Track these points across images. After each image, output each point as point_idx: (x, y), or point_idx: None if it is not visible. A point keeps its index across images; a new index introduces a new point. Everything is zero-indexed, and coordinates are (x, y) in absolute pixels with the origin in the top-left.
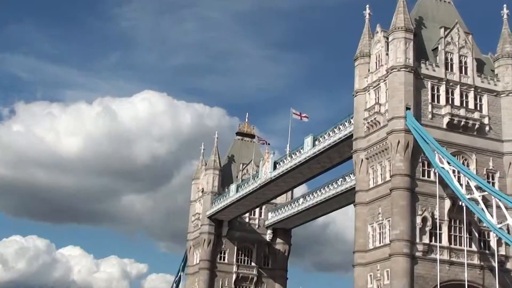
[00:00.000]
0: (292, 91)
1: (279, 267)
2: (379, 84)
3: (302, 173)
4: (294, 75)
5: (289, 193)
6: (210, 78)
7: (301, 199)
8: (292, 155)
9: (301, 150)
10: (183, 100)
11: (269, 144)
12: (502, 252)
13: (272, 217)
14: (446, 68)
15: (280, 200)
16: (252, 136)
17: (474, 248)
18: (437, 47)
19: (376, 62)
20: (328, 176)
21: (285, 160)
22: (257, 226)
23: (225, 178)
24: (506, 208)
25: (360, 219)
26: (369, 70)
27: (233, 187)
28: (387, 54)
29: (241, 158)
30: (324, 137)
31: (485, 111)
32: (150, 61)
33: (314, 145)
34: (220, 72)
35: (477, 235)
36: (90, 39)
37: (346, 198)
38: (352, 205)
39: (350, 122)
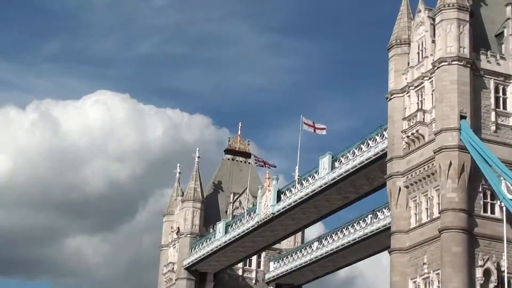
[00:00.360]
0: (301, 92)
1: None
2: (422, 83)
3: (317, 208)
4: (304, 71)
5: (299, 235)
6: (189, 74)
7: (316, 244)
8: (303, 182)
9: (315, 175)
10: (151, 104)
11: (270, 166)
12: None
13: (276, 269)
14: None
15: (286, 245)
16: (247, 155)
17: None
18: (502, 32)
19: (418, 53)
20: (353, 211)
21: (293, 189)
22: (254, 281)
23: (210, 213)
24: None
25: (398, 272)
26: (408, 64)
27: (220, 226)
28: (433, 42)
29: (232, 185)
30: (347, 157)
31: None
32: (106, 51)
33: (333, 168)
34: (202, 66)
35: None
36: (23, 20)
37: (378, 242)
38: (386, 252)
39: (383, 136)
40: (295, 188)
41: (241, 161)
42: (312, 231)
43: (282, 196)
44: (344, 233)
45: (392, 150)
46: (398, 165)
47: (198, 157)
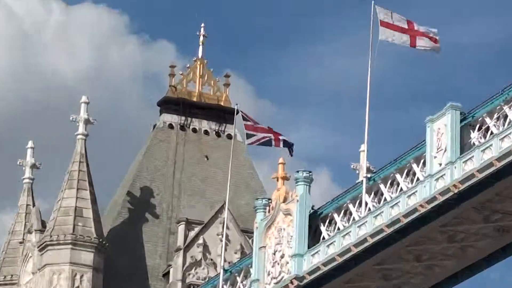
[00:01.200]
0: None
1: None
2: None
3: (425, 259)
4: None
5: None
6: None
7: None
8: (384, 190)
9: (415, 169)
10: None
11: (291, 145)
12: None
13: None
14: None
15: None
16: (222, 115)
17: None
18: None
19: None
20: None
21: (354, 210)
22: None
23: (122, 277)
24: None
25: None
26: None
27: None
28: None
29: (182, 199)
30: (504, 116)
31: None
32: None
33: (464, 147)
34: None
35: None
36: None
37: None
38: None
39: None
40: (360, 206)
41: (206, 132)
42: None
43: (323, 229)
44: None
45: None
46: None
47: (88, 120)
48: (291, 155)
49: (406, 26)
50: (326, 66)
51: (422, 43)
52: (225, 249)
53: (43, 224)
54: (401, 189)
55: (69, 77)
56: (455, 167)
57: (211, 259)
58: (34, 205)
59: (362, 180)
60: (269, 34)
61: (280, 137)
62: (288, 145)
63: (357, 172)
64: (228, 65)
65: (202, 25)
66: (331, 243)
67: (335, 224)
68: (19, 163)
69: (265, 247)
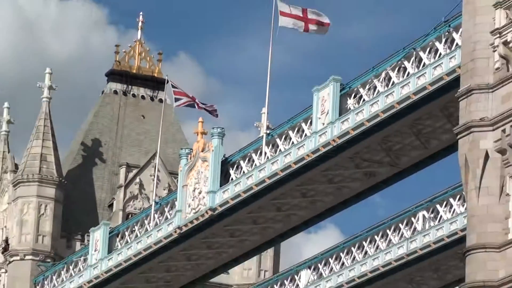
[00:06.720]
0: None
1: None
2: None
3: (312, 196)
4: None
5: (269, 255)
6: None
7: (306, 274)
8: (279, 142)
9: (304, 128)
10: None
11: (210, 111)
12: None
13: None
14: None
15: (240, 278)
16: (156, 84)
17: None
18: None
19: None
20: (390, 203)
21: (256, 158)
22: None
23: (75, 210)
24: None
25: None
26: None
27: (98, 237)
28: None
29: (124, 150)
30: (373, 88)
31: None
32: None
33: (343, 110)
34: None
35: None
36: None
37: (441, 266)
38: None
39: (452, 42)
40: (260, 155)
41: (143, 97)
42: (304, 247)
43: (232, 172)
44: (368, 252)
45: (471, 72)
46: (485, 105)
47: (52, 87)
48: (216, 116)
49: (299, 14)
50: (249, 54)
51: (311, 27)
52: (156, 187)
53: (16, 166)
54: (293, 143)
55: (36, 54)
56: (335, 126)
57: (146, 194)
58: (9, 152)
59: (262, 135)
60: (188, 24)
61: (200, 105)
62: (209, 111)
63: (259, 129)
64: (163, 46)
65: (141, 13)
66: (238, 183)
67: (241, 168)
68: None
69: (187, 185)
